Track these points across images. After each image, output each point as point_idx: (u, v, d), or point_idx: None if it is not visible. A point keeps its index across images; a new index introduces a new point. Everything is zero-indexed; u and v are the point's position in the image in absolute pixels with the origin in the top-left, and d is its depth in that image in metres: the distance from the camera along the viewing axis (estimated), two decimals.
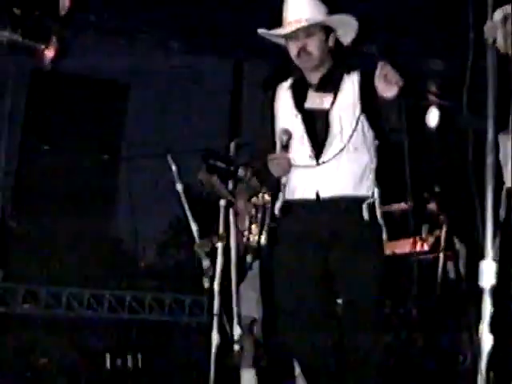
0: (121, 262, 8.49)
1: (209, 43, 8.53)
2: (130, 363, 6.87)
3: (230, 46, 8.62)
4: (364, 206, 3.77)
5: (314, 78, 3.95)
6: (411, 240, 6.53)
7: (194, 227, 5.21)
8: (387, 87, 3.59)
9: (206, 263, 4.96)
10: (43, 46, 6.83)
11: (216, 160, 5.80)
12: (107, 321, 7.86)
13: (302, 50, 3.87)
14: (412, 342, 6.48)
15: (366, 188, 3.82)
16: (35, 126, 8.09)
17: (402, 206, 6.52)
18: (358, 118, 3.82)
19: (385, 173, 4.05)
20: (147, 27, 8.19)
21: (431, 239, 6.52)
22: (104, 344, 7.23)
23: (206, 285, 4.89)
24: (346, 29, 3.97)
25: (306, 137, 3.85)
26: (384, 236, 3.85)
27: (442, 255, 6.29)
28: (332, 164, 3.78)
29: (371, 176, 3.85)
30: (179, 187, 5.18)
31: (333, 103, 3.85)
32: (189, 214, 5.25)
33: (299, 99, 3.95)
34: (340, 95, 3.87)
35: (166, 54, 8.51)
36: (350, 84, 3.88)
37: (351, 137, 3.79)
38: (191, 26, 8.12)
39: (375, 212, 3.82)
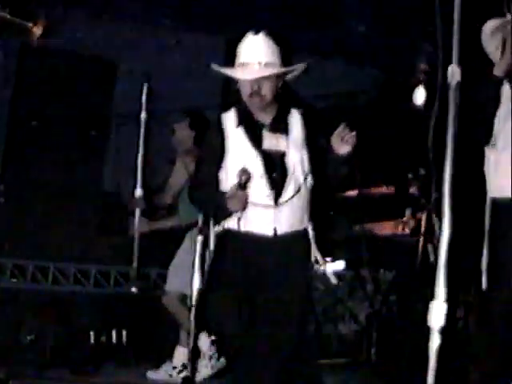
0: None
1: (201, 20, 8.55)
2: (114, 338, 6.96)
3: (223, 24, 8.62)
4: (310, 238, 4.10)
5: (265, 117, 4.12)
6: (393, 223, 6.68)
7: None
8: (342, 146, 3.88)
9: None
10: (31, 24, 6.87)
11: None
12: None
13: (255, 93, 4.01)
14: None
15: (307, 221, 4.11)
16: (24, 101, 8.13)
17: (383, 189, 6.65)
18: (304, 158, 4.05)
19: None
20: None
21: (412, 223, 6.64)
22: (90, 319, 7.31)
23: None
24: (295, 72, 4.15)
25: (265, 178, 4.03)
26: None
27: (421, 239, 6.41)
28: (288, 204, 4.03)
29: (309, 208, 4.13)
30: None
31: (287, 145, 4.05)
32: None
33: (255, 139, 4.09)
34: (291, 136, 4.07)
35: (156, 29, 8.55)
36: (296, 124, 4.10)
37: (305, 178, 4.05)
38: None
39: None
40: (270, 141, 4.06)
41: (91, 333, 6.86)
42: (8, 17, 6.62)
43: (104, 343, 6.87)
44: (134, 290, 5.78)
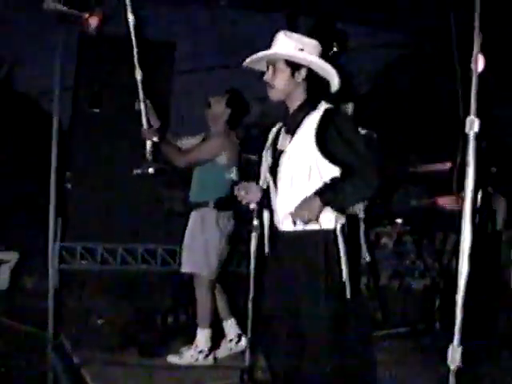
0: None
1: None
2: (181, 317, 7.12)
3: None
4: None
5: (287, 118, 4.16)
6: (451, 198, 6.75)
7: None
8: (298, 215, 3.89)
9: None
10: (87, 15, 7.04)
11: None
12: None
13: (268, 84, 4.08)
14: None
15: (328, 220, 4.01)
16: (85, 90, 8.32)
17: (442, 165, 6.71)
18: (306, 158, 3.98)
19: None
20: None
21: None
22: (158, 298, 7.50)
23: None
24: (323, 70, 4.10)
25: (269, 177, 4.17)
26: None
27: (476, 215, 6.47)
28: (285, 201, 4.05)
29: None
30: None
31: (290, 144, 4.05)
32: None
33: (274, 137, 4.22)
34: (296, 136, 4.04)
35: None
36: (308, 124, 4.01)
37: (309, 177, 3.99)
38: None
39: None
40: (283, 140, 4.13)
41: (158, 314, 7.01)
42: (64, 8, 6.83)
43: (172, 323, 7.02)
44: (150, 170, 5.66)
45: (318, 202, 3.87)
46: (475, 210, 6.49)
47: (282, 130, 4.17)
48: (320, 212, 3.89)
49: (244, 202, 4.20)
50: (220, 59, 9.08)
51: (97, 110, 8.17)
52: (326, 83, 4.13)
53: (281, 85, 4.06)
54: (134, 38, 5.63)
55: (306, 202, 3.91)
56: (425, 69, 9.18)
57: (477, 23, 3.15)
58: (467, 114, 3.09)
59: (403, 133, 8.70)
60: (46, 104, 8.34)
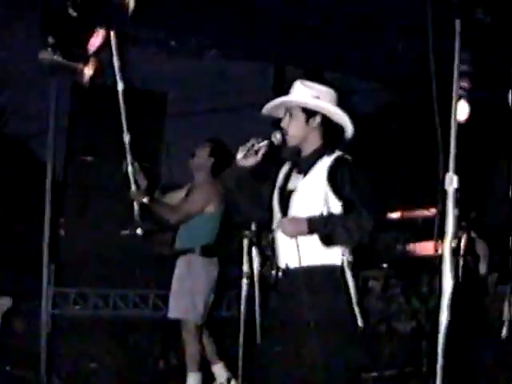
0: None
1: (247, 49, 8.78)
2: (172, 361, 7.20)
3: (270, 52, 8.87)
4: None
5: (300, 160, 4.31)
6: (434, 243, 6.87)
7: None
8: (280, 226, 4.07)
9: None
10: (82, 65, 7.20)
11: None
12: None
13: (284, 131, 4.25)
14: None
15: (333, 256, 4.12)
16: (78, 137, 8.44)
17: (425, 212, 6.86)
18: (315, 200, 4.10)
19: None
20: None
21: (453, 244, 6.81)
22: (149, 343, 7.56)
23: None
24: (337, 116, 4.26)
25: (279, 214, 4.24)
26: None
27: (461, 260, 6.60)
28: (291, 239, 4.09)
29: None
30: None
31: (301, 184, 4.18)
32: None
33: (285, 176, 4.34)
34: (308, 177, 4.18)
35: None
36: (320, 168, 4.16)
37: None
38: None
39: None
40: (294, 180, 4.24)
41: (150, 358, 7.08)
42: (60, 59, 6.99)
43: (163, 367, 7.09)
44: (139, 231, 5.93)
45: (305, 225, 4.01)
46: (460, 256, 6.63)
47: (294, 170, 4.31)
48: (299, 234, 4.01)
49: (292, 235, 4.08)
50: (209, 105, 9.25)
51: (90, 159, 8.29)
52: (341, 130, 4.28)
53: (295, 131, 4.24)
54: (122, 104, 5.85)
55: (295, 219, 4.08)
56: (408, 117, 9.36)
57: (456, 73, 3.27)
58: (446, 167, 3.21)
59: (387, 179, 8.86)
60: (38, 149, 8.46)
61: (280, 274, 4.20)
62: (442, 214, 3.44)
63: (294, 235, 4.03)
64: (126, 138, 5.97)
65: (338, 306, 4.04)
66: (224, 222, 6.36)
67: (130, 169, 6.01)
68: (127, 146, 5.98)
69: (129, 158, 5.99)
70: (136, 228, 5.99)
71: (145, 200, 6.00)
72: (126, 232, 5.85)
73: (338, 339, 4.00)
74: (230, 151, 6.30)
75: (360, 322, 4.02)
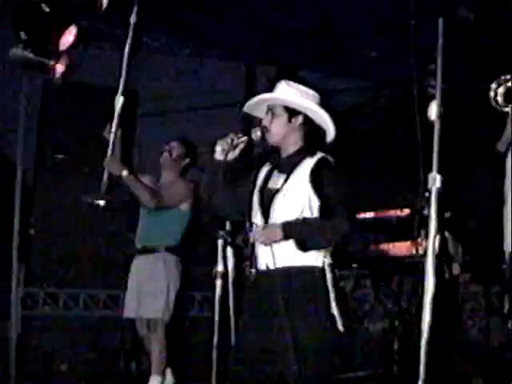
0: None
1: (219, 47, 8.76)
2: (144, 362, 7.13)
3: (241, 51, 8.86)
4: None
5: (281, 160, 4.27)
6: (408, 244, 6.88)
7: None
8: (256, 235, 4.03)
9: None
10: (53, 62, 7.13)
11: None
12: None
13: (265, 129, 4.21)
14: None
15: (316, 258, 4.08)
16: (50, 136, 8.35)
17: (398, 212, 6.86)
18: (298, 199, 4.07)
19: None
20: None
21: (425, 244, 6.82)
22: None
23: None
24: (319, 117, 4.23)
25: (259, 212, 4.18)
26: None
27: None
28: None
29: None
30: None
31: (284, 183, 4.13)
32: None
33: (266, 176, 4.28)
34: (291, 177, 4.13)
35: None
36: (303, 168, 4.13)
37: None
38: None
39: None
40: (276, 180, 4.20)
41: (121, 359, 7.03)
42: (31, 56, 6.92)
43: (134, 368, 7.04)
44: (101, 203, 5.59)
45: (279, 232, 3.98)
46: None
47: (275, 170, 4.26)
48: (276, 241, 3.98)
49: (267, 243, 4.06)
50: (181, 104, 9.20)
51: (61, 157, 8.20)
52: (322, 132, 4.26)
53: (277, 129, 4.21)
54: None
55: (269, 226, 4.04)
56: (383, 116, 9.37)
57: (439, 74, 3.27)
58: (428, 167, 3.21)
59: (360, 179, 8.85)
60: (6, 147, 8.38)
61: (256, 274, 4.17)
62: (420, 214, 3.43)
63: (269, 244, 4.02)
64: (120, 100, 5.70)
65: (316, 308, 4.00)
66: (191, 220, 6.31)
67: (111, 135, 5.72)
68: (117, 111, 5.70)
69: (114, 124, 5.68)
70: (99, 198, 5.61)
71: (124, 173, 5.73)
72: (87, 199, 5.47)
73: (313, 342, 3.96)
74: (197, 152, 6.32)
75: (340, 325, 3.99)
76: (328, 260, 4.07)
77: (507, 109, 4.44)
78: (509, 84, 4.51)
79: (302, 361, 3.89)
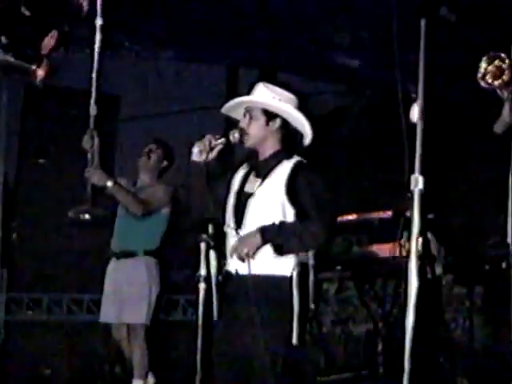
0: None
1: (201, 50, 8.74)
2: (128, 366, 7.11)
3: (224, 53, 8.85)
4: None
5: (258, 162, 4.26)
6: (390, 245, 6.88)
7: None
8: (236, 250, 4.01)
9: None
10: (34, 67, 7.10)
11: None
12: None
13: (243, 131, 4.20)
14: None
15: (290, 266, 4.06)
16: (31, 139, 8.34)
17: (380, 214, 6.87)
18: (277, 204, 4.06)
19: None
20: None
21: (408, 245, 6.84)
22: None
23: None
24: (297, 121, 4.22)
25: (232, 218, 4.17)
26: None
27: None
28: None
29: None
30: None
31: (259, 188, 4.12)
32: None
33: (242, 180, 4.25)
34: (266, 181, 4.13)
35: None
36: (280, 172, 4.12)
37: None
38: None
39: None
40: (251, 183, 4.18)
41: (106, 363, 7.01)
42: (12, 60, 6.89)
43: (119, 372, 7.01)
44: (87, 216, 5.35)
45: (258, 238, 3.97)
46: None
47: (251, 174, 4.24)
48: (258, 248, 3.97)
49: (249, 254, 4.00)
50: (162, 108, 9.20)
51: (42, 161, 8.17)
52: (299, 135, 4.26)
53: (255, 132, 4.19)
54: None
55: (247, 236, 4.02)
56: (366, 118, 9.40)
57: (421, 76, 3.27)
58: (411, 170, 3.21)
59: (342, 181, 8.88)
60: None
61: (226, 277, 4.18)
62: (403, 216, 3.44)
63: (249, 253, 3.96)
64: (94, 109, 5.60)
65: (278, 318, 3.99)
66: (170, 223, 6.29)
67: (95, 142, 5.50)
68: (92, 119, 5.52)
69: (94, 133, 5.48)
70: (84, 212, 5.40)
71: (109, 183, 5.60)
72: (71, 215, 5.32)
73: (263, 352, 3.92)
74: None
75: (295, 338, 3.97)
76: (298, 269, 4.04)
77: (496, 82, 4.38)
78: (497, 62, 4.48)
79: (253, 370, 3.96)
